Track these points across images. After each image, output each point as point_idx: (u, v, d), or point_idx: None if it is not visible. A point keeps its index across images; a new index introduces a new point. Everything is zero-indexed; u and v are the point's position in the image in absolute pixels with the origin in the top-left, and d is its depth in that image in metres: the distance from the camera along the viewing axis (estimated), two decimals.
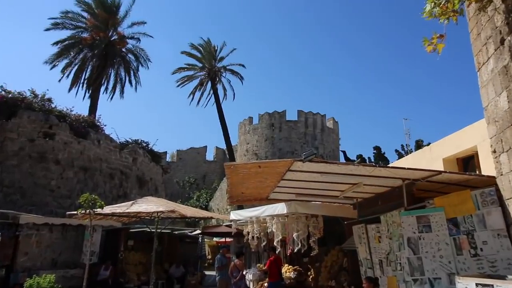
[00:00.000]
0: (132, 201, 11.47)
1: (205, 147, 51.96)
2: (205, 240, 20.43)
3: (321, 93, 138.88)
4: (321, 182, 7.17)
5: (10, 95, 14.28)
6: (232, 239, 17.24)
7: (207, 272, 17.89)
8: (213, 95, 32.39)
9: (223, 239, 19.39)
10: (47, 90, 36.26)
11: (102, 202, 8.33)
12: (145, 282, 13.53)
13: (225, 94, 33.62)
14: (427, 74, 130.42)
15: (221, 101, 32.06)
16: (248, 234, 11.54)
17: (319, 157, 28.32)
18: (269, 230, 10.58)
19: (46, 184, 14.28)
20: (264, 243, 12.04)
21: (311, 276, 10.68)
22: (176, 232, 17.26)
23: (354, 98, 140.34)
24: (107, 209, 10.03)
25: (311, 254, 10.13)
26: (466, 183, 5.62)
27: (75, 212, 9.93)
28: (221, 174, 42.25)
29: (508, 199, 4.61)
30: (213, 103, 32.65)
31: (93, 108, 23.47)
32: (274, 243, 10.39)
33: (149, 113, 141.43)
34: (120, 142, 18.96)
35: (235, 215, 11.71)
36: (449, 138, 8.02)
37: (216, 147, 51.95)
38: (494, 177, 4.95)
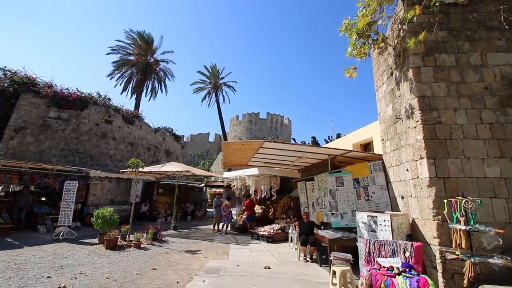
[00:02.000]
0: (162, 164, 11.30)
1: (208, 133, 50.65)
2: (207, 190, 20.35)
3: (282, 99, 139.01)
4: (279, 155, 7.25)
5: (83, 94, 13.33)
6: (224, 189, 17.28)
7: (208, 209, 17.97)
8: (215, 101, 31.61)
9: (218, 189, 19.35)
10: (107, 92, 34.71)
11: (143, 164, 8.07)
12: (169, 214, 13.47)
13: (223, 100, 32.88)
14: (349, 91, 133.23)
15: (220, 105, 31.34)
16: (234, 186, 11.60)
17: (279, 140, 28.25)
18: (247, 184, 10.66)
19: (106, 153, 13.63)
20: (243, 192, 12.16)
21: (271, 212, 10.90)
22: (189, 184, 17.15)
23: (303, 101, 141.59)
24: (146, 169, 9.87)
25: (272, 199, 10.33)
26: (365, 158, 5.82)
27: (126, 170, 9.69)
28: (218, 150, 41.73)
29: (388, 167, 4.80)
30: (214, 104, 31.79)
31: (137, 105, 22.38)
32: (250, 192, 10.52)
33: (173, 110, 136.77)
34: (154, 128, 18.22)
35: (226, 174, 11.72)
36: (356, 132, 8.22)
37: (215, 133, 50.88)
38: (381, 155, 5.14)
